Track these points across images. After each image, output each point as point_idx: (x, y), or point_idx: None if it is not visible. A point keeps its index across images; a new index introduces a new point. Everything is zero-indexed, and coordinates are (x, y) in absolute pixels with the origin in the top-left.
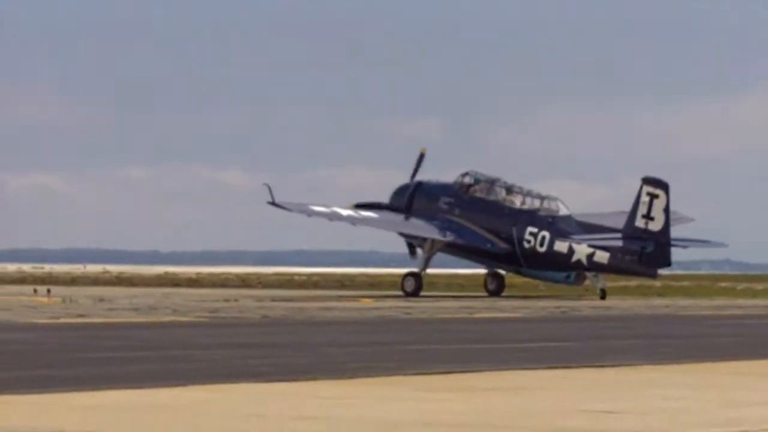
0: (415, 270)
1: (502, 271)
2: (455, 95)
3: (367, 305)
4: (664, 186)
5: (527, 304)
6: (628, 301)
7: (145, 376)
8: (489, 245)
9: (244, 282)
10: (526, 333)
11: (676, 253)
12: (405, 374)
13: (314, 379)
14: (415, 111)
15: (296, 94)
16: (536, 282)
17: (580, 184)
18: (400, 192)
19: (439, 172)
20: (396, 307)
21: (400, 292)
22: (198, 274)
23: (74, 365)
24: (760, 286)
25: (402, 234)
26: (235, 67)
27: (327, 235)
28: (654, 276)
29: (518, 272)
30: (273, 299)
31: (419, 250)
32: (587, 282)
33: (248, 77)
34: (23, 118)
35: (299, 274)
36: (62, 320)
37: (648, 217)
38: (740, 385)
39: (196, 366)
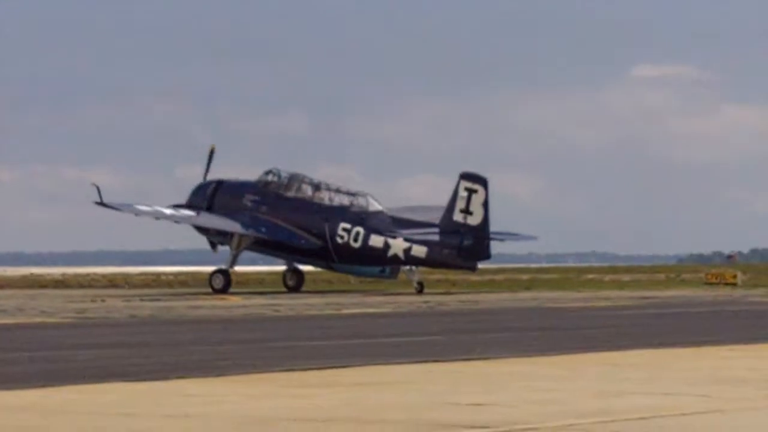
0: (224, 267)
1: (301, 267)
2: (319, 89)
3: (234, 303)
4: (482, 181)
5: (394, 300)
6: (494, 295)
7: (13, 377)
8: (302, 241)
9: (110, 282)
10: (393, 327)
11: (542, 247)
12: (274, 371)
13: (183, 377)
14: (278, 106)
15: (155, 92)
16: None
17: (448, 179)
18: (199, 191)
19: (306, 166)
20: (263, 304)
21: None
22: (64, 274)
23: None
24: (626, 278)
25: (211, 231)
26: (97, 64)
27: (194, 236)
28: (473, 269)
29: (330, 268)
30: (141, 298)
31: (224, 248)
32: (402, 276)
33: (113, 75)
34: None
35: (166, 274)
36: None
37: (467, 211)
38: (609, 375)
39: (64, 366)
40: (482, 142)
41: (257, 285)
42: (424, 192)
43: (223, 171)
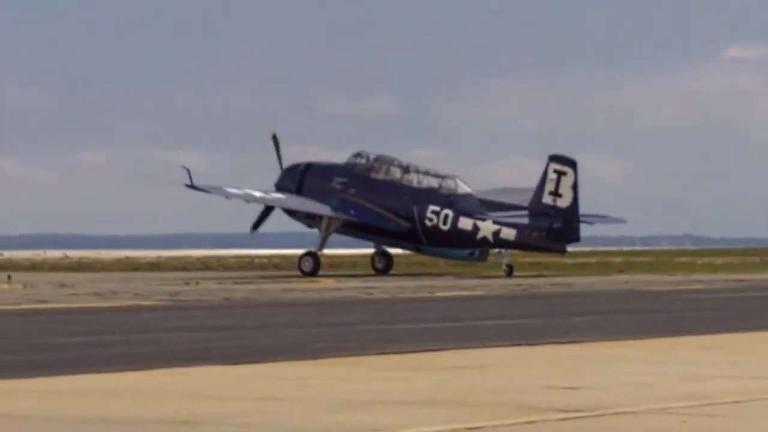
0: (313, 250)
1: (390, 250)
2: (410, 72)
3: (327, 286)
4: (572, 164)
5: (487, 282)
6: (587, 278)
7: (107, 360)
8: (392, 224)
9: (204, 265)
10: (488, 310)
11: (635, 229)
12: (367, 354)
13: (277, 360)
14: (370, 88)
15: (248, 74)
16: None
17: (534, 160)
18: (288, 173)
19: (397, 149)
20: (357, 287)
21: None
22: (158, 257)
23: (36, 351)
24: (719, 261)
25: (300, 213)
26: (184, 48)
27: (279, 218)
28: (563, 251)
29: (418, 250)
30: (234, 281)
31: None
32: (491, 258)
33: (200, 58)
34: None
35: (259, 257)
36: (23, 306)
37: (556, 193)
38: (701, 359)
39: (158, 349)
40: (574, 123)
41: (351, 268)
42: (514, 174)
43: (315, 154)
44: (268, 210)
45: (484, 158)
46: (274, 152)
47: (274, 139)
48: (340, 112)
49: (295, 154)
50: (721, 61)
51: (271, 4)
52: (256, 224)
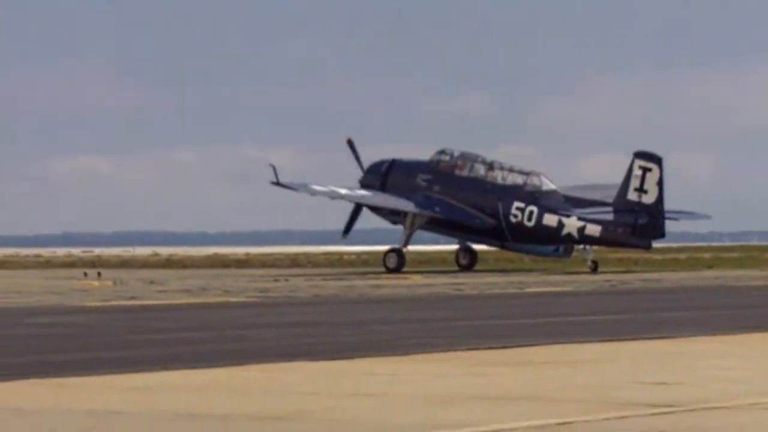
0: (397, 246)
1: (474, 246)
2: (500, 69)
3: (417, 282)
4: (657, 160)
5: (576, 279)
6: (677, 273)
7: (198, 356)
8: (477, 221)
9: (293, 261)
10: (577, 306)
11: (724, 225)
12: (457, 350)
13: (366, 356)
14: (460, 85)
15: (339, 72)
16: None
17: (625, 156)
18: (372, 170)
19: (486, 147)
20: (446, 283)
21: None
22: (247, 254)
23: (127, 347)
24: None
25: (384, 210)
26: (276, 47)
27: (367, 214)
28: (648, 247)
29: (503, 247)
30: (324, 278)
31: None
32: (575, 254)
33: (291, 55)
34: (69, 102)
35: (348, 253)
36: (114, 303)
37: (641, 190)
38: None
39: (249, 346)
40: (666, 120)
41: (435, 264)
42: (605, 170)
43: (405, 151)
44: (356, 212)
45: (574, 155)
46: (353, 157)
47: (351, 144)
48: (431, 109)
49: (384, 153)
50: None
51: (364, 1)
52: (347, 228)
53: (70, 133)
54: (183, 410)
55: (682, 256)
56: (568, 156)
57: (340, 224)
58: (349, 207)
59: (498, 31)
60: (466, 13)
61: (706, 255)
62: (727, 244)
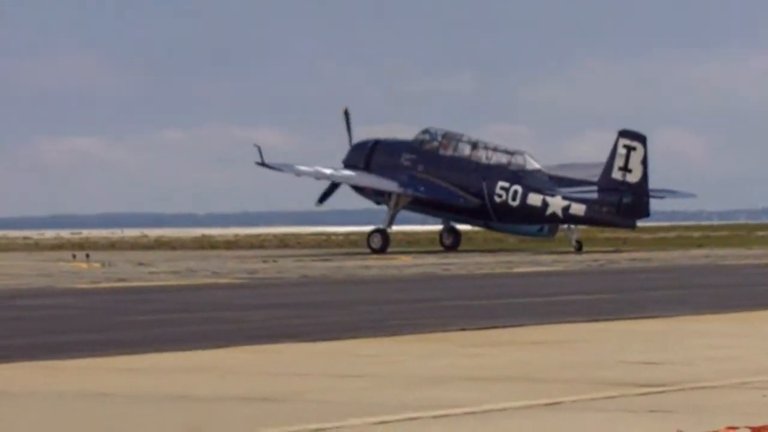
0: (381, 227)
1: (459, 226)
2: (487, 50)
3: (405, 262)
4: (641, 138)
5: (564, 258)
6: (667, 253)
7: (187, 338)
8: (461, 200)
9: (282, 243)
10: (566, 286)
11: (713, 204)
12: (446, 330)
13: (355, 337)
14: (447, 66)
15: (327, 53)
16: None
17: (612, 135)
18: (356, 150)
19: (475, 126)
20: (434, 263)
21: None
22: (236, 235)
23: (116, 329)
24: None
25: (368, 190)
26: (263, 28)
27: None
28: (633, 227)
29: (487, 226)
30: (312, 258)
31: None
32: (560, 234)
33: (278, 37)
34: (58, 84)
35: (336, 234)
36: (103, 285)
37: (625, 169)
38: None
39: (237, 327)
40: (653, 100)
41: (428, 244)
42: (594, 149)
43: (394, 131)
44: (335, 184)
45: (562, 134)
46: (345, 128)
47: (346, 114)
48: (417, 90)
49: (373, 133)
50: None
51: None
52: (323, 197)
53: (58, 115)
54: (173, 392)
55: (672, 235)
56: (557, 135)
57: (330, 205)
58: (343, 186)
59: (486, 12)
60: None
61: (696, 234)
62: (716, 222)
